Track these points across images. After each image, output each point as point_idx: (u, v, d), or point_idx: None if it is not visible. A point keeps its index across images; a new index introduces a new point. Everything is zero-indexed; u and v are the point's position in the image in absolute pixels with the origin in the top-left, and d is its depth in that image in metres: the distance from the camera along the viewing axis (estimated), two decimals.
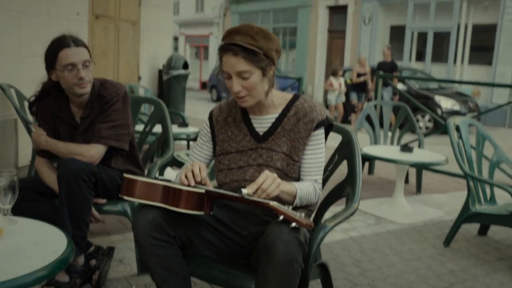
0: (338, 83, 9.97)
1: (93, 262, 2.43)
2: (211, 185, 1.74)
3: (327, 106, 10.79)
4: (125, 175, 1.76)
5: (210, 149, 2.00)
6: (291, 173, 1.85)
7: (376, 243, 3.26)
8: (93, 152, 2.29)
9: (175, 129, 4.92)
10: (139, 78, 6.73)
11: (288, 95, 1.92)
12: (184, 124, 5.11)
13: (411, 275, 2.76)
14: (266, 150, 1.88)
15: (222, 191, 1.67)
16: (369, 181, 5.14)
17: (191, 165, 1.73)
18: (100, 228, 3.18)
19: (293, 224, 1.49)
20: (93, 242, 2.57)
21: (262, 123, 1.90)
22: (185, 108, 7.45)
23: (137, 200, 1.71)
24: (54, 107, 2.40)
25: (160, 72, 7.24)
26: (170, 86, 7.05)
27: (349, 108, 10.71)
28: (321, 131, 1.87)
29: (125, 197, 1.73)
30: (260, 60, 1.73)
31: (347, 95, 10.38)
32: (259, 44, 1.72)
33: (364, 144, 5.40)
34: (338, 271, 2.76)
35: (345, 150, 2.11)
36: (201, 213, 1.66)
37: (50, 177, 2.35)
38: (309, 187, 1.84)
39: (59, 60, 2.21)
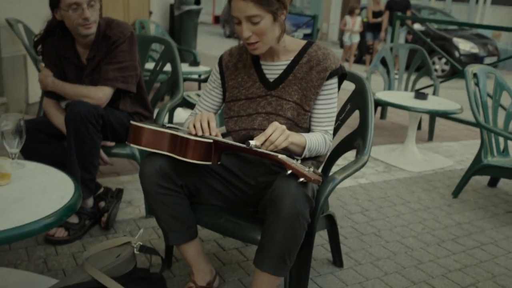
0: (353, 22, 9.64)
1: (102, 204, 2.45)
2: (220, 135, 1.70)
3: (342, 46, 10.53)
4: (132, 122, 1.72)
5: (219, 95, 1.95)
6: (301, 123, 1.81)
7: (384, 191, 3.26)
8: (101, 94, 2.25)
9: (185, 68, 4.84)
10: (150, 13, 6.56)
11: (301, 42, 1.84)
12: (195, 63, 5.02)
13: (417, 225, 2.77)
14: (276, 98, 1.82)
15: (229, 141, 1.63)
16: (381, 126, 5.08)
17: (200, 116, 1.69)
18: (109, 169, 3.20)
19: (301, 179, 1.47)
20: (102, 184, 2.59)
21: (273, 70, 1.84)
22: (196, 44, 7.31)
23: (143, 148, 1.69)
24: (59, 47, 2.33)
25: (171, 6, 7.04)
26: (181, 21, 6.87)
27: (364, 49, 10.44)
28: (334, 81, 1.80)
29: (132, 145, 1.71)
30: (271, 4, 1.64)
31: (362, 35, 10.08)
32: None
33: (377, 88, 5.32)
34: (345, 219, 2.77)
35: (358, 100, 2.05)
36: (209, 163, 1.64)
37: (58, 118, 2.33)
38: (319, 138, 1.80)
39: None
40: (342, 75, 1.85)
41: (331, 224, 2.09)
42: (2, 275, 1.95)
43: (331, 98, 1.82)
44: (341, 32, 10.53)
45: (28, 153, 2.28)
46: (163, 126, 1.78)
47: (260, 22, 1.65)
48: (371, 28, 9.90)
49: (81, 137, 2.16)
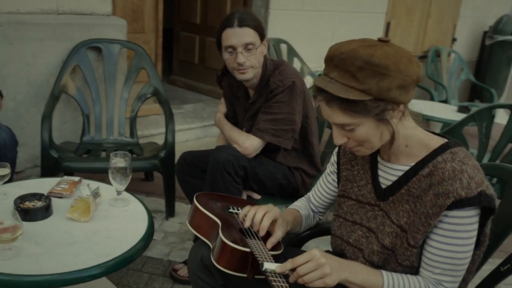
0: None
1: None
2: (274, 242, 1.32)
3: None
4: (194, 199, 1.50)
5: (333, 185, 1.51)
6: (401, 258, 1.23)
7: None
8: (248, 144, 2.08)
9: (448, 113, 4.06)
10: (453, 40, 5.86)
11: (434, 143, 1.23)
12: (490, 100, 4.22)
13: None
14: (383, 213, 1.29)
15: (258, 255, 1.24)
16: None
17: (255, 209, 1.35)
18: None
19: None
20: None
21: (388, 173, 1.30)
22: (507, 83, 6.16)
23: (192, 230, 1.46)
24: (234, 84, 2.26)
25: (484, 34, 6.12)
26: (491, 53, 5.91)
27: None
28: (463, 213, 1.13)
29: (187, 224, 1.50)
30: (368, 109, 1.12)
31: None
32: (364, 86, 1.10)
33: None
34: None
35: None
36: (243, 275, 1.29)
37: None
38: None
39: (222, 40, 2.02)
40: (488, 209, 1.16)
41: None
42: None
43: (454, 237, 1.15)
44: None
45: (182, 184, 2.32)
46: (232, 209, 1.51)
47: (355, 129, 1.17)
48: None
49: (215, 183, 2.05)
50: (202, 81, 4.85)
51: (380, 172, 1.32)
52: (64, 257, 1.47)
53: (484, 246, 1.25)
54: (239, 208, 1.50)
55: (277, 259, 1.29)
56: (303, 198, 1.63)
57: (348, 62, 1.10)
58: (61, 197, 1.81)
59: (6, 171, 1.75)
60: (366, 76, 1.09)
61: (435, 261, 1.18)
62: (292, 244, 1.65)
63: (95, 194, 1.77)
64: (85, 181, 1.95)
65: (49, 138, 2.50)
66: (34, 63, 2.90)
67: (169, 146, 2.67)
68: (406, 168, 1.24)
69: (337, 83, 1.12)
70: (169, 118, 2.76)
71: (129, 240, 1.59)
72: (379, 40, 1.15)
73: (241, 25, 1.96)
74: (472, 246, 1.17)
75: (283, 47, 4.07)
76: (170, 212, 2.82)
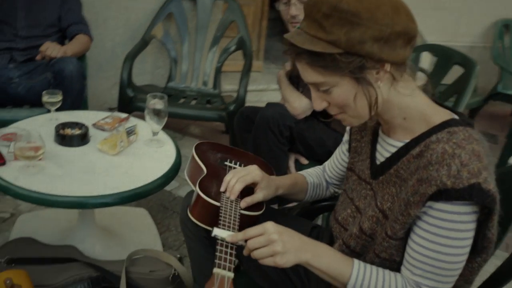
0: None
1: None
2: (254, 199, 1.23)
3: None
4: (194, 146, 1.44)
5: (346, 156, 1.35)
6: (379, 248, 1.06)
7: None
8: (297, 104, 1.96)
9: None
10: None
11: (437, 118, 1.01)
12: None
13: None
14: (372, 193, 1.13)
15: (223, 212, 1.15)
16: None
17: (240, 170, 1.26)
18: None
19: None
20: None
21: (384, 149, 1.11)
22: None
23: (187, 179, 1.41)
24: None
25: None
26: None
27: None
28: (451, 208, 0.92)
29: (185, 172, 1.45)
30: (339, 65, 0.94)
31: None
32: (331, 36, 0.93)
33: None
34: None
35: None
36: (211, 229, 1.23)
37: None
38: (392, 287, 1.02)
39: None
40: (487, 208, 0.93)
41: None
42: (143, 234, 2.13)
43: (439, 235, 0.94)
44: None
45: (239, 139, 2.29)
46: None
47: (331, 91, 0.99)
48: None
49: (258, 140, 1.99)
50: None
51: (378, 147, 1.14)
52: (74, 183, 1.55)
53: (488, 253, 1.01)
54: (238, 163, 1.42)
55: (253, 221, 1.20)
56: (319, 166, 1.49)
57: (315, 8, 0.94)
58: (103, 130, 1.89)
59: (58, 97, 1.88)
60: (334, 25, 0.92)
61: (416, 260, 0.99)
62: (303, 215, 1.53)
63: (130, 131, 1.82)
64: (134, 119, 2.01)
65: (128, 77, 2.63)
66: (133, 8, 3.05)
67: (239, 100, 2.65)
68: (401, 144, 1.05)
69: (305, 34, 0.96)
70: (245, 73, 2.73)
71: (143, 178, 1.61)
72: None
73: None
74: (465, 250, 0.95)
75: None
76: None
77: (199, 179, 1.26)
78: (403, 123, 1.04)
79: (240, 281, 1.40)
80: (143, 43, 2.88)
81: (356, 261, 1.05)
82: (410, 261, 1.00)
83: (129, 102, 2.57)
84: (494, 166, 0.98)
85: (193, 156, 1.39)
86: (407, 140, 1.03)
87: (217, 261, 0.99)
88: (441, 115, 1.01)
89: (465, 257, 0.97)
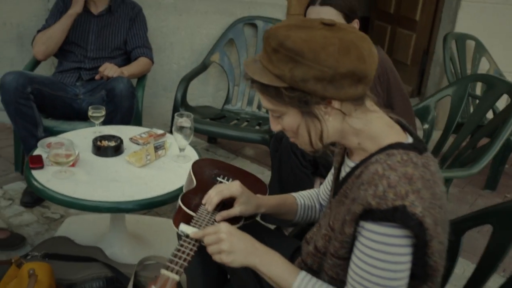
0: None
1: None
2: (230, 213, 1.29)
3: None
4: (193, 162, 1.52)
5: None
6: (327, 266, 1.08)
7: None
8: None
9: None
10: None
11: (389, 139, 1.01)
12: None
13: None
14: (329, 211, 1.15)
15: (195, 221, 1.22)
16: None
17: (216, 188, 1.32)
18: None
19: None
20: None
21: (345, 170, 1.14)
22: None
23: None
24: None
25: None
26: None
27: None
28: (379, 229, 0.92)
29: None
30: (283, 97, 0.98)
31: None
32: (277, 70, 0.97)
33: None
34: None
35: None
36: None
37: None
38: None
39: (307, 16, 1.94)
40: (412, 226, 0.90)
41: None
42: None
43: (372, 257, 0.94)
44: None
45: (272, 160, 2.34)
46: None
47: (282, 118, 1.04)
48: None
49: (281, 163, 2.06)
50: None
51: (342, 168, 1.16)
52: (97, 189, 1.70)
53: (434, 282, 0.99)
54: (231, 179, 1.48)
55: None
56: (316, 189, 1.52)
57: (267, 41, 0.99)
58: (137, 144, 2.05)
59: (101, 112, 2.08)
60: (280, 60, 0.96)
61: (353, 280, 0.99)
62: (295, 236, 1.56)
63: (159, 146, 1.96)
64: (170, 136, 2.15)
65: (182, 98, 2.81)
66: (197, 33, 3.26)
67: None
68: (353, 165, 1.07)
69: (259, 63, 1.01)
70: None
71: (159, 189, 1.73)
72: (322, 23, 0.98)
73: (323, 3, 1.87)
74: (400, 275, 0.94)
75: (470, 44, 3.60)
76: None
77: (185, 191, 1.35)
78: (358, 147, 1.05)
79: None
80: (202, 67, 3.06)
81: (303, 273, 1.08)
82: (349, 280, 1.01)
83: None
84: (439, 195, 0.95)
85: (190, 171, 1.48)
86: (358, 162, 1.05)
87: (167, 263, 1.06)
88: (394, 137, 1.02)
89: (402, 282, 0.95)
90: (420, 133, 2.37)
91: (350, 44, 0.95)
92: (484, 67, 3.62)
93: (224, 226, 1.11)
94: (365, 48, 0.96)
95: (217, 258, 1.09)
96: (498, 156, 3.07)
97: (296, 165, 2.00)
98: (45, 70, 2.87)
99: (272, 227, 2.28)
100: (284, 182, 2.04)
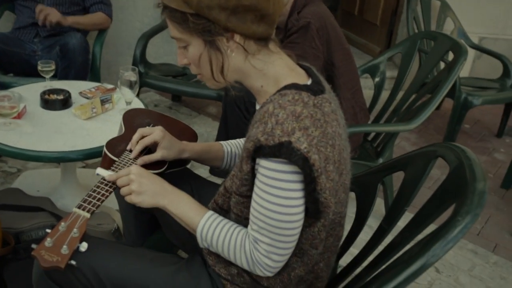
0: None
1: None
2: (151, 158, 1.34)
3: None
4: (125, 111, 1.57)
5: None
6: (232, 204, 1.13)
7: None
8: None
9: None
10: None
11: (287, 80, 1.06)
12: None
13: None
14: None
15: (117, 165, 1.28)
16: None
17: (139, 132, 1.36)
18: None
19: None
20: None
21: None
22: None
23: None
24: None
25: None
26: None
27: None
28: (270, 164, 0.97)
29: None
30: (189, 24, 1.02)
31: None
32: None
33: None
34: None
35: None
36: None
37: None
38: (234, 237, 1.10)
39: None
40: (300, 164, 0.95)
41: None
42: None
43: (266, 192, 0.99)
44: None
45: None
46: None
47: (188, 49, 1.08)
48: None
49: (226, 115, 2.13)
50: (357, 34, 4.65)
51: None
52: (41, 140, 1.74)
53: (327, 219, 1.05)
54: None
55: None
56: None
57: None
58: (86, 98, 2.08)
59: (51, 67, 2.10)
60: None
61: (252, 215, 1.05)
62: None
63: (105, 99, 1.99)
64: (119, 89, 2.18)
65: (141, 55, 2.82)
66: None
67: None
68: (258, 108, 1.12)
69: None
70: None
71: (101, 141, 1.76)
72: None
73: None
74: (294, 210, 0.99)
75: (435, 4, 3.61)
76: None
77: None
78: (261, 89, 1.10)
79: (155, 237, 1.53)
80: (163, 25, 3.05)
81: (210, 212, 1.14)
82: (250, 217, 1.06)
83: (139, 78, 2.76)
84: (331, 134, 1.01)
85: (121, 119, 1.53)
86: (260, 106, 1.10)
87: (80, 202, 1.12)
88: (291, 80, 1.06)
89: (296, 218, 1.00)
90: (370, 92, 2.43)
91: None
92: (449, 27, 3.65)
93: (135, 168, 1.16)
94: None
95: (127, 199, 1.15)
96: (455, 115, 3.15)
97: (239, 118, 2.05)
98: (5, 26, 2.85)
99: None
100: (230, 135, 2.10)
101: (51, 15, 2.48)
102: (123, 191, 1.16)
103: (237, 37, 1.02)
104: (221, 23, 1.00)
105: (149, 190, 1.14)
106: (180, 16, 1.02)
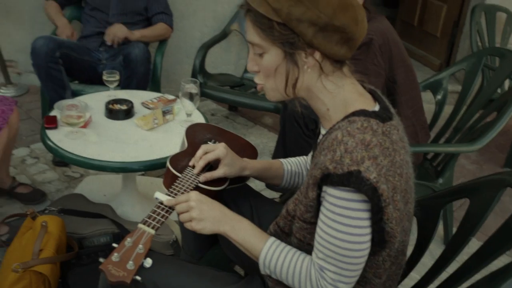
0: None
1: None
2: (214, 175, 1.35)
3: None
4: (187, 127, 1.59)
5: None
6: (295, 229, 1.13)
7: None
8: None
9: None
10: None
11: (356, 106, 1.05)
12: None
13: None
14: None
15: (179, 183, 1.30)
16: None
17: (203, 149, 1.38)
18: None
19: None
20: None
21: (320, 136, 1.19)
22: None
23: None
24: None
25: None
26: None
27: None
28: (338, 193, 0.96)
29: None
30: (273, 32, 1.01)
31: None
32: (276, 4, 0.99)
33: None
34: None
35: None
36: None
37: None
38: (298, 265, 1.09)
39: None
40: (368, 192, 0.94)
41: None
42: None
43: (334, 220, 0.98)
44: None
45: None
46: None
47: (263, 56, 1.07)
48: None
49: (285, 131, 2.12)
50: (416, 45, 4.54)
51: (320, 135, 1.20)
52: (104, 150, 1.81)
53: (392, 249, 1.03)
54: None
55: (212, 195, 1.32)
56: (305, 156, 1.56)
57: None
58: (148, 108, 2.14)
59: (115, 77, 2.17)
60: None
61: (318, 243, 1.04)
62: (284, 202, 1.62)
63: (167, 111, 2.04)
64: (180, 101, 2.22)
65: (200, 65, 2.87)
66: (219, 1, 3.28)
67: None
68: (324, 132, 1.11)
69: None
70: None
71: (161, 152, 1.81)
72: None
73: None
74: (361, 239, 0.98)
75: (501, 16, 3.48)
76: None
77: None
78: (326, 113, 1.09)
79: (213, 251, 1.55)
80: (222, 35, 3.10)
81: (272, 238, 1.14)
82: (315, 244, 1.05)
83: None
84: (399, 163, 0.99)
85: (183, 134, 1.56)
86: (327, 129, 1.09)
87: (145, 218, 1.15)
88: (360, 105, 1.05)
89: (363, 247, 0.99)
90: (431, 106, 2.36)
91: (349, 4, 0.99)
92: None
93: (194, 194, 1.16)
94: (360, 14, 1.00)
95: (188, 225, 1.15)
96: None
97: (299, 134, 2.04)
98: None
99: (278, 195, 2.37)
100: (288, 150, 2.10)
101: (119, 32, 2.58)
102: (183, 217, 1.16)
103: (317, 55, 1.02)
104: (306, 38, 0.99)
105: (209, 216, 1.14)
106: (266, 23, 1.01)
